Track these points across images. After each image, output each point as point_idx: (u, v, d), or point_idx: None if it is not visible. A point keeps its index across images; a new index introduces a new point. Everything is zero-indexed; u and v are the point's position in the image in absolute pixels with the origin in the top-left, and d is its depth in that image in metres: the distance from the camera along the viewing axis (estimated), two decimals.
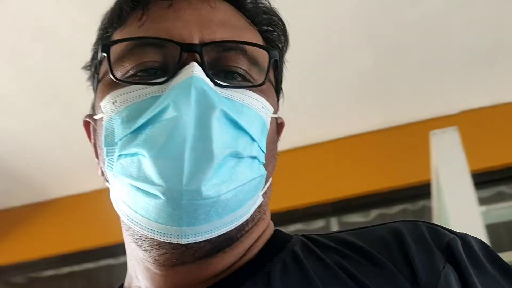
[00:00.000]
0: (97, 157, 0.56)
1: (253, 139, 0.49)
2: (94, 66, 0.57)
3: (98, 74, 0.55)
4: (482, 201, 1.82)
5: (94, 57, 0.58)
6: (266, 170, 0.51)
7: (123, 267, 0.59)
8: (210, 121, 0.45)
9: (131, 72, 0.51)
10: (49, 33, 1.69)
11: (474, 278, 0.46)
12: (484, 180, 2.06)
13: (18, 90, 1.94)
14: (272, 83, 0.56)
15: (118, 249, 0.82)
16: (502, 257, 0.50)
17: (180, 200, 0.43)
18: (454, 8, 1.74)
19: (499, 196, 2.17)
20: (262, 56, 0.53)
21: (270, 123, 0.53)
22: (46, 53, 1.77)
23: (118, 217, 0.52)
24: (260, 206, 0.52)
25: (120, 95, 0.49)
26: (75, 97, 1.80)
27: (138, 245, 0.50)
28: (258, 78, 0.52)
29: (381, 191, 2.27)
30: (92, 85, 0.59)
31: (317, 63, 1.95)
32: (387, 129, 2.35)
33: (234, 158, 0.47)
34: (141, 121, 0.47)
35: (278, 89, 0.59)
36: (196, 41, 0.50)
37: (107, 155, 0.49)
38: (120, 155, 0.47)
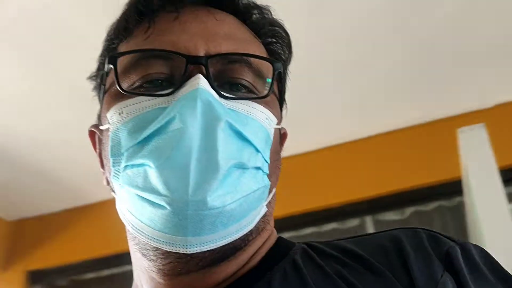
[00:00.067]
0: (102, 166, 0.56)
1: (257, 150, 0.50)
2: (100, 77, 0.57)
3: (104, 85, 0.55)
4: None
5: (100, 67, 0.59)
6: (270, 180, 0.51)
7: None
8: (216, 133, 0.46)
9: (137, 84, 0.51)
10: (68, 33, 1.70)
11: (472, 287, 0.46)
12: None
13: (70, 100, 1.98)
14: (276, 95, 0.57)
15: None
16: None
17: (186, 211, 0.44)
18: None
19: None
20: (267, 68, 0.53)
21: (274, 134, 0.53)
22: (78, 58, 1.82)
23: (124, 226, 0.52)
24: (264, 216, 0.52)
25: (127, 106, 0.50)
26: None
27: (143, 254, 0.51)
28: (263, 89, 0.53)
29: (416, 188, 2.24)
30: (97, 95, 0.59)
31: (348, 63, 1.95)
32: (420, 125, 2.33)
33: (238, 169, 0.47)
34: (147, 132, 0.47)
35: (281, 100, 0.59)
36: (201, 53, 0.50)
37: (113, 165, 0.49)
38: (126, 166, 0.48)
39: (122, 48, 0.55)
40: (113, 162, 0.49)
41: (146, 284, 0.54)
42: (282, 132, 0.59)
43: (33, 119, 2.12)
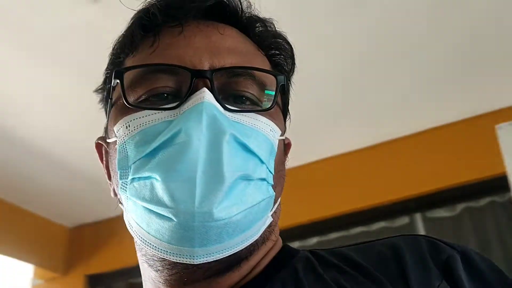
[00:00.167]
0: (109, 178, 0.57)
1: (262, 162, 0.50)
2: (107, 91, 0.58)
3: (111, 98, 0.56)
4: None
5: (106, 81, 0.60)
6: (274, 191, 0.52)
7: None
8: (221, 145, 0.47)
9: (143, 97, 0.52)
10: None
11: None
12: None
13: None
14: (279, 106, 0.57)
15: None
16: None
17: (192, 222, 0.45)
18: None
19: None
20: (270, 80, 0.54)
21: (278, 145, 0.54)
22: None
23: (132, 238, 0.53)
24: (269, 226, 0.53)
25: (133, 119, 0.50)
26: None
27: (149, 265, 0.52)
28: (266, 102, 0.54)
29: (467, 183, 2.23)
30: (104, 108, 0.60)
31: (388, 62, 1.96)
32: (459, 121, 2.32)
33: (244, 181, 0.48)
34: (154, 145, 0.48)
35: (285, 112, 0.60)
36: (206, 67, 0.51)
37: (120, 178, 0.50)
38: (133, 178, 0.49)
39: (128, 62, 0.56)
40: (120, 175, 0.50)
41: None
42: (286, 142, 0.60)
43: (91, 131, 2.23)
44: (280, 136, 0.55)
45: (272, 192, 0.52)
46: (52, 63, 1.85)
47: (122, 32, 0.58)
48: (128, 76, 0.53)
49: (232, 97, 0.52)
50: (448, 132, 2.33)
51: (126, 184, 0.49)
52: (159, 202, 0.46)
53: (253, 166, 0.49)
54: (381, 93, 2.13)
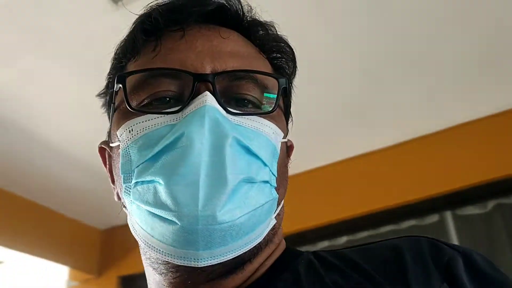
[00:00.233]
0: (113, 182, 0.57)
1: (264, 164, 0.50)
2: (109, 95, 0.58)
3: (114, 103, 0.56)
4: None
5: (108, 86, 0.60)
6: (277, 193, 0.52)
7: None
8: (224, 148, 0.47)
9: (146, 101, 0.52)
10: None
11: None
12: None
13: None
14: (281, 109, 0.58)
15: None
16: None
17: (196, 225, 0.45)
18: None
19: None
20: (272, 83, 0.54)
21: (281, 147, 0.54)
22: None
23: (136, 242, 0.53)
24: (273, 228, 0.53)
25: (136, 124, 0.51)
26: None
27: (154, 268, 0.52)
28: (268, 104, 0.54)
29: (497, 179, 2.18)
30: (107, 112, 0.60)
31: (415, 58, 1.94)
32: (495, 115, 2.27)
33: (247, 183, 0.48)
34: (157, 149, 0.48)
35: (287, 114, 0.60)
36: (208, 71, 0.51)
37: (124, 182, 0.50)
38: (137, 182, 0.49)
39: (131, 67, 0.56)
40: (124, 179, 0.50)
41: None
42: (288, 144, 0.60)
43: None
44: (283, 138, 0.55)
45: (275, 195, 0.52)
46: (79, 71, 1.90)
47: (124, 36, 0.58)
48: (130, 80, 0.53)
49: (234, 100, 0.53)
50: (478, 127, 2.29)
51: (130, 188, 0.50)
52: (163, 206, 0.46)
53: (256, 169, 0.49)
54: (408, 89, 2.10)
